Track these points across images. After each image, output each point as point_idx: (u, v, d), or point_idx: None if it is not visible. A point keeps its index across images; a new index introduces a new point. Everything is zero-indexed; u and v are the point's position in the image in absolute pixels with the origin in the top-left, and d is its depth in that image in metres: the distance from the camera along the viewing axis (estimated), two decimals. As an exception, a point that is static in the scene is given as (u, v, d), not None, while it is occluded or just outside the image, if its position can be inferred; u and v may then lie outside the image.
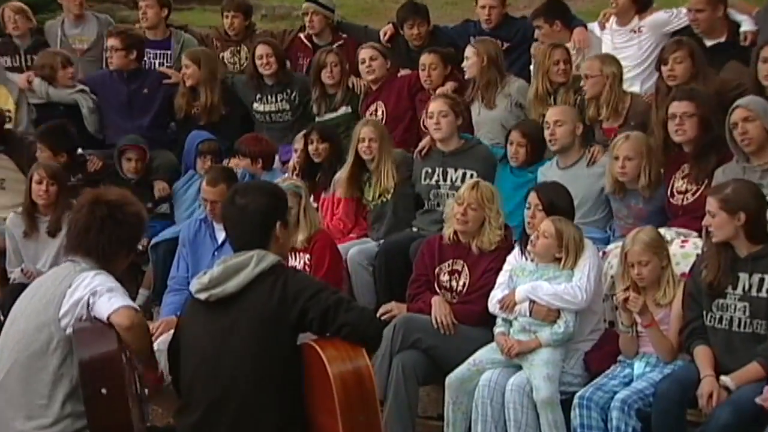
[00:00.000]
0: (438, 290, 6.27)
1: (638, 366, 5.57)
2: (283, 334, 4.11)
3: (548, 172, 6.82)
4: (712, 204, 5.32)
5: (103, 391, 3.98)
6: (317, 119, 8.33)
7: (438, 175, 7.20)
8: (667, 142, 6.40)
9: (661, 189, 6.39)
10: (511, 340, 5.77)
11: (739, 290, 5.27)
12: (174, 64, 8.92)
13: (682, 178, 6.32)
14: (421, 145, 7.40)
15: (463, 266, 6.24)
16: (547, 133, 6.79)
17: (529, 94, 7.57)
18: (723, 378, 5.18)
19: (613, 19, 8.00)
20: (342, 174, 7.35)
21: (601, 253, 6.07)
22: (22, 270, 7.32)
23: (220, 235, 6.62)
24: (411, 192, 7.32)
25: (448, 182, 7.10)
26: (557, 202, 6.01)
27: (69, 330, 4.12)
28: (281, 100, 8.57)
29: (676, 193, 6.33)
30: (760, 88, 6.43)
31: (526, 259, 5.97)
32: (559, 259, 5.80)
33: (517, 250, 6.10)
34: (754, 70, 6.54)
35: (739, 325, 5.26)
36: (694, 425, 5.27)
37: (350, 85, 8.36)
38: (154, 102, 8.61)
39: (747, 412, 5.04)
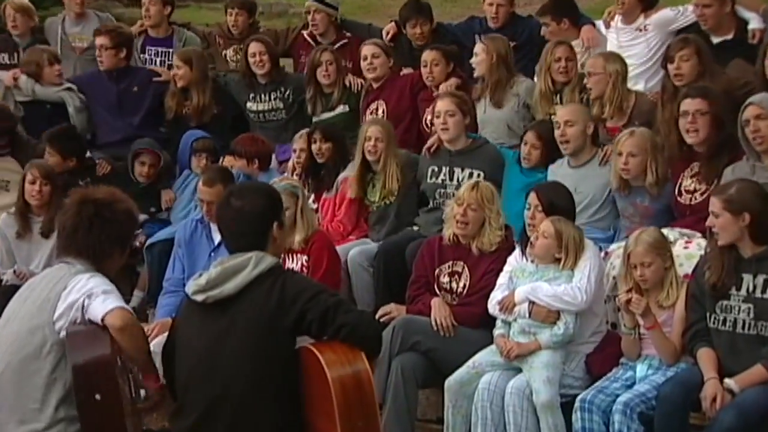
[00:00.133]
0: (438, 292, 6.26)
1: (641, 368, 5.56)
2: (281, 337, 4.10)
3: (559, 170, 6.81)
4: (715, 204, 5.30)
5: (97, 396, 3.97)
6: (314, 119, 8.31)
7: (444, 174, 7.19)
8: (675, 139, 6.36)
9: (669, 187, 6.37)
10: (510, 342, 5.77)
11: (743, 291, 5.26)
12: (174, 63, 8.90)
13: (691, 177, 6.30)
14: (429, 142, 7.38)
15: (464, 267, 6.24)
16: (557, 133, 6.76)
17: (534, 92, 7.55)
18: (727, 381, 5.17)
19: (618, 17, 7.98)
20: (351, 174, 7.32)
21: (603, 254, 6.07)
22: (14, 271, 7.30)
23: (217, 236, 6.60)
24: (415, 193, 7.31)
25: (455, 182, 7.07)
26: (557, 203, 5.99)
27: (63, 333, 4.11)
28: (275, 99, 8.56)
29: (684, 192, 6.31)
30: None
31: (527, 260, 5.95)
32: (559, 260, 5.79)
33: (517, 251, 6.09)
34: (761, 68, 6.53)
35: (743, 327, 5.25)
36: (697, 429, 5.29)
37: (347, 84, 8.34)
38: (144, 100, 8.61)
39: (751, 415, 5.04)
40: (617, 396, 5.40)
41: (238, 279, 4.15)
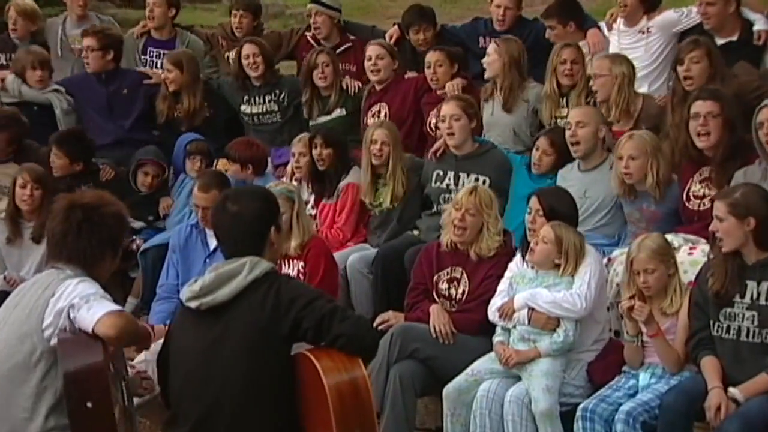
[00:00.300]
0: (437, 298, 6.26)
1: (643, 377, 5.56)
2: (277, 344, 4.10)
3: (569, 174, 6.81)
4: (720, 208, 5.29)
5: (89, 404, 3.95)
6: (310, 123, 8.30)
7: (450, 179, 7.19)
8: (684, 143, 6.34)
9: (674, 190, 6.37)
10: (509, 350, 5.77)
11: (747, 299, 5.25)
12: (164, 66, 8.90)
13: (700, 182, 6.29)
14: (435, 146, 7.38)
15: (462, 273, 6.24)
16: (568, 134, 6.76)
17: (542, 93, 7.54)
18: (731, 390, 5.16)
19: (620, 20, 7.98)
20: (355, 180, 7.33)
21: (606, 260, 6.07)
22: (5, 277, 7.30)
23: (212, 242, 6.60)
24: (418, 198, 7.32)
25: (460, 187, 7.01)
26: (558, 208, 5.99)
27: (53, 341, 4.09)
28: (269, 101, 8.55)
29: (692, 198, 6.30)
30: None
31: (527, 266, 5.96)
32: (559, 266, 5.79)
33: (519, 256, 6.09)
34: None
35: (747, 335, 5.24)
36: (701, 438, 5.28)
37: (344, 87, 8.33)
38: (134, 103, 8.62)
39: (756, 424, 5.03)
40: (620, 405, 5.39)
41: (233, 285, 4.16)
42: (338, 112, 8.30)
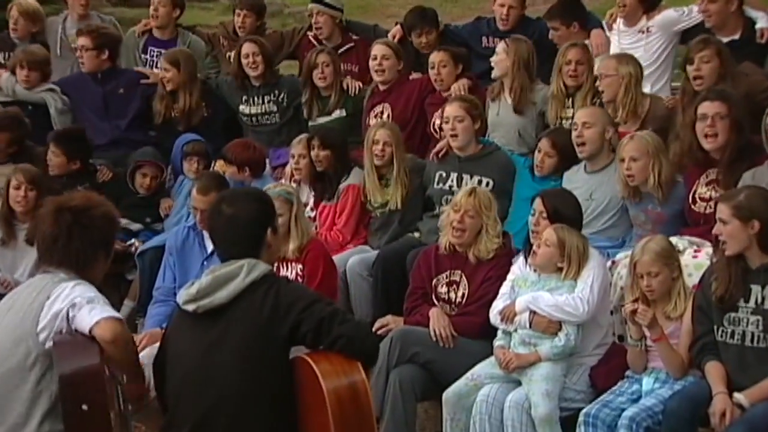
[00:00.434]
0: (436, 302, 6.27)
1: (647, 382, 5.56)
2: (275, 347, 4.12)
3: (574, 176, 6.82)
4: (723, 211, 5.28)
5: (84, 407, 3.96)
6: (310, 123, 8.30)
7: (453, 180, 7.20)
8: (690, 144, 6.33)
9: (679, 191, 6.38)
10: (509, 353, 5.77)
11: (752, 303, 5.24)
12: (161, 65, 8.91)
13: (707, 185, 6.28)
14: (438, 146, 7.39)
15: (461, 276, 6.25)
16: (574, 134, 6.76)
17: (548, 94, 7.55)
18: (736, 395, 5.16)
19: (620, 20, 7.98)
20: (358, 182, 7.34)
21: (609, 263, 6.07)
22: (-2, 279, 7.30)
23: (210, 244, 6.57)
24: (420, 199, 7.32)
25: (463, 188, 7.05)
26: (563, 210, 5.99)
27: (48, 344, 4.10)
28: (268, 102, 8.54)
29: (698, 200, 6.30)
30: None
31: (530, 268, 5.96)
32: (561, 269, 5.79)
33: (521, 259, 6.10)
34: None
35: (752, 340, 5.24)
36: (705, 444, 5.28)
37: (345, 87, 8.32)
38: (131, 103, 8.61)
39: (762, 430, 5.03)
40: (623, 410, 5.39)
41: (230, 287, 4.17)
42: (338, 113, 8.29)
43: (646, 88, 7.51)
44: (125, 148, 8.39)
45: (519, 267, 6.06)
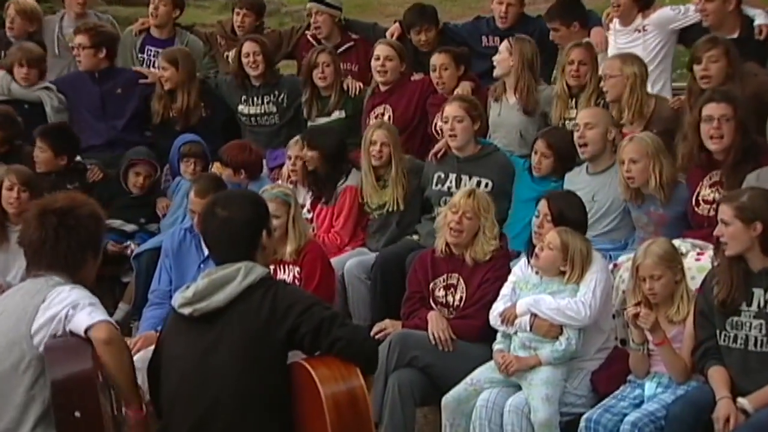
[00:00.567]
0: (434, 306, 6.27)
1: (649, 386, 5.55)
2: (272, 352, 4.12)
3: (576, 178, 6.83)
4: (726, 212, 5.27)
5: (77, 413, 3.95)
6: (309, 123, 8.30)
7: (451, 182, 7.21)
8: (695, 145, 6.33)
9: (681, 192, 6.39)
10: (509, 357, 5.77)
11: (754, 307, 5.23)
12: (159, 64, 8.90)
13: (710, 187, 6.29)
14: (437, 147, 7.39)
15: (459, 279, 6.26)
16: (576, 135, 6.77)
17: (552, 94, 7.55)
18: (740, 400, 5.16)
19: (616, 19, 7.99)
20: (355, 183, 7.35)
21: (612, 265, 6.07)
22: (-8, 281, 7.29)
23: (208, 247, 6.59)
24: (418, 201, 7.33)
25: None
26: (567, 213, 5.98)
27: (42, 348, 4.10)
28: (267, 102, 8.53)
29: (702, 203, 6.31)
30: None
31: (532, 270, 5.95)
32: (564, 273, 5.79)
33: (523, 261, 6.10)
34: None
35: (755, 345, 5.23)
36: (709, 450, 5.27)
37: (345, 88, 8.31)
38: (128, 103, 8.59)
39: (766, 436, 5.04)
40: (625, 415, 5.38)
41: (227, 291, 4.18)
42: (337, 114, 8.28)
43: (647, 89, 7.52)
44: (121, 148, 8.37)
45: (520, 269, 6.07)
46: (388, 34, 8.73)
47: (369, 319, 6.72)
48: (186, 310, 4.22)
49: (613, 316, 5.96)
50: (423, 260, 6.41)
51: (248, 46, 8.45)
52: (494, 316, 5.92)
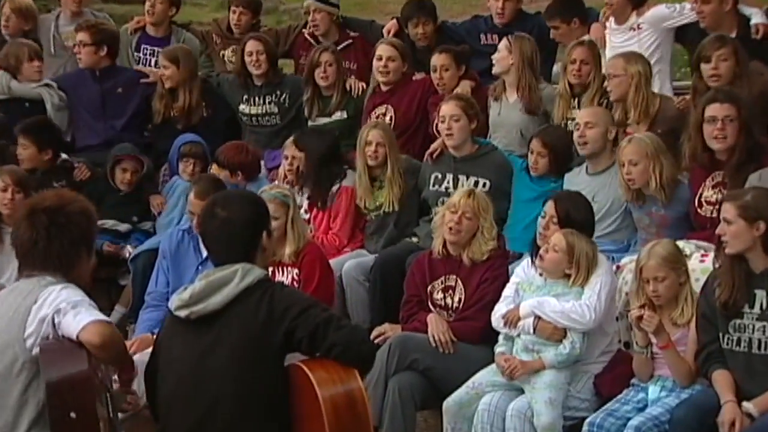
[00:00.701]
0: (432, 309, 6.29)
1: (653, 390, 5.56)
2: (270, 354, 4.14)
3: (576, 178, 6.84)
4: (729, 210, 5.27)
5: (72, 415, 3.95)
6: (309, 123, 8.30)
7: (449, 182, 7.22)
8: (697, 146, 6.34)
9: (682, 192, 6.41)
10: (514, 361, 5.76)
11: (757, 309, 5.23)
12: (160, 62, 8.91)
13: (713, 187, 6.30)
14: (433, 147, 7.41)
15: (457, 281, 6.27)
16: (576, 135, 6.79)
17: (555, 93, 7.56)
18: (745, 404, 5.16)
19: (612, 18, 8.01)
20: (351, 184, 7.36)
21: (615, 267, 6.08)
22: (-15, 283, 7.29)
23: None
24: (415, 202, 7.34)
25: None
26: (574, 215, 5.98)
27: (35, 350, 4.10)
28: (269, 103, 8.53)
29: (704, 204, 6.32)
30: None
31: (536, 271, 5.96)
32: (569, 276, 5.79)
33: (525, 261, 6.11)
34: None
35: (759, 347, 5.23)
36: (713, 455, 5.27)
37: (347, 88, 8.32)
38: (129, 103, 8.59)
39: (772, 440, 5.04)
40: (628, 419, 5.39)
41: (224, 292, 4.19)
42: (338, 115, 8.26)
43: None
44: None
45: (523, 270, 6.08)
46: (384, 30, 8.75)
47: (368, 320, 6.73)
48: (183, 313, 4.23)
49: (617, 319, 5.95)
50: (420, 263, 6.43)
51: (251, 45, 8.44)
52: (496, 318, 5.93)
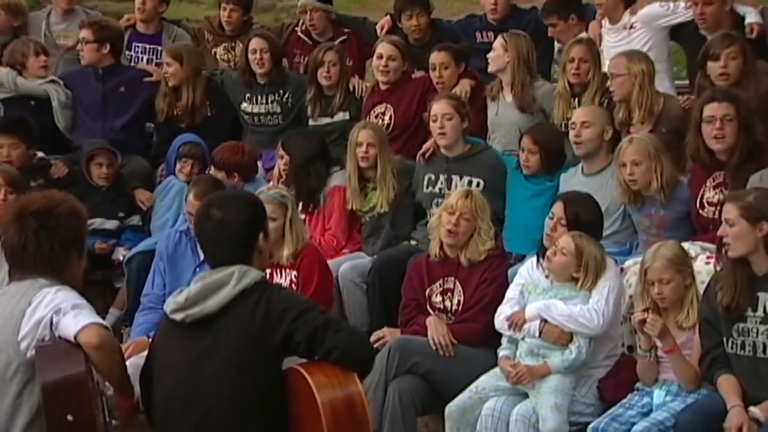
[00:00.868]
0: (432, 313, 6.29)
1: (658, 395, 5.57)
2: (267, 358, 4.15)
3: (571, 179, 6.86)
4: (731, 211, 5.27)
5: (69, 417, 3.96)
6: (310, 123, 8.31)
7: (442, 183, 7.25)
8: (697, 146, 6.36)
9: (681, 192, 6.43)
10: (521, 366, 5.75)
11: (760, 312, 5.22)
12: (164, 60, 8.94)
13: (714, 188, 6.33)
14: (425, 147, 7.44)
15: (455, 283, 6.29)
16: (572, 134, 6.83)
17: (553, 96, 7.58)
18: (752, 409, 5.16)
19: (606, 18, 8.06)
20: (341, 183, 7.37)
21: (618, 270, 6.08)
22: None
23: (204, 251, 6.60)
24: (410, 202, 7.35)
25: (453, 190, 6.97)
26: (584, 218, 5.99)
27: (30, 353, 4.12)
28: (272, 102, 8.54)
29: (706, 205, 6.34)
30: None
31: (542, 272, 5.95)
32: (576, 279, 5.79)
33: (529, 263, 6.12)
34: None
35: (764, 351, 5.22)
36: (720, 461, 5.28)
37: (350, 88, 8.32)
38: (132, 103, 8.60)
39: (780, 446, 5.05)
40: (633, 424, 5.41)
41: (221, 295, 4.20)
42: (341, 116, 8.27)
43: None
44: (116, 149, 8.36)
45: (527, 271, 6.08)
46: (378, 27, 8.79)
47: (366, 324, 6.75)
48: (178, 316, 4.24)
49: (621, 322, 5.97)
50: (418, 267, 6.44)
51: (255, 43, 8.46)
52: (500, 320, 5.92)
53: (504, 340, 5.92)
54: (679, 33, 7.93)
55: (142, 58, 9.04)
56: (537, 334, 5.76)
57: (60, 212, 4.33)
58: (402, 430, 5.97)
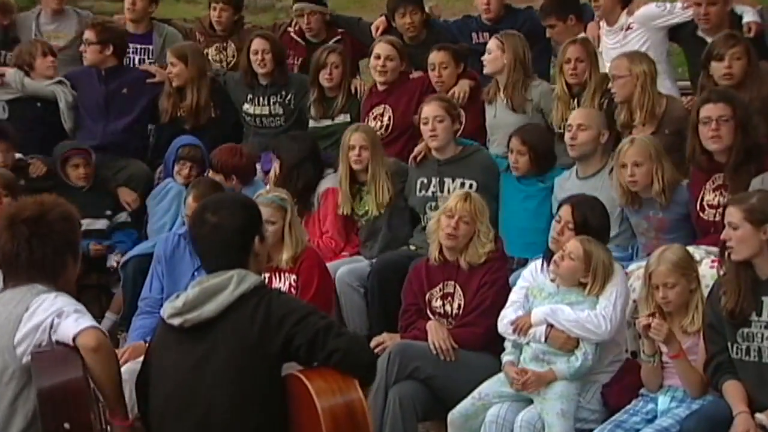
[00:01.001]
0: (432, 317, 6.30)
1: (663, 401, 5.56)
2: (267, 363, 4.16)
3: (566, 183, 6.87)
4: (734, 214, 5.28)
5: (66, 425, 3.97)
6: (311, 124, 8.32)
7: (434, 186, 7.27)
8: (695, 147, 6.37)
9: (680, 194, 6.45)
10: (528, 374, 5.73)
11: (764, 316, 5.22)
12: (156, 59, 8.94)
13: (714, 191, 6.34)
14: (416, 150, 7.46)
15: (455, 287, 6.29)
16: (567, 136, 6.84)
17: (551, 96, 7.59)
18: (758, 416, 5.15)
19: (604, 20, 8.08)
20: (333, 186, 7.38)
21: (624, 274, 6.07)
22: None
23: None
24: (407, 204, 7.37)
25: (446, 193, 7.08)
26: (591, 222, 5.98)
27: (26, 359, 4.13)
28: (274, 103, 8.54)
29: (706, 207, 6.35)
30: None
31: (548, 276, 5.94)
32: (583, 284, 5.78)
33: (533, 266, 6.12)
34: None
35: (769, 356, 5.26)
36: (725, 468, 5.28)
37: (352, 90, 8.33)
38: (134, 105, 8.59)
39: (788, 453, 5.05)
40: (637, 431, 5.41)
41: (219, 300, 4.21)
42: (342, 118, 8.27)
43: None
44: (115, 152, 8.37)
45: (531, 274, 6.08)
46: (373, 27, 8.80)
47: (364, 328, 6.76)
48: (176, 321, 4.25)
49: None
50: (417, 271, 6.45)
51: (257, 43, 8.45)
52: (504, 324, 5.92)
53: (508, 345, 5.92)
54: (678, 34, 7.94)
55: (132, 58, 9.04)
56: (543, 339, 5.76)
57: (51, 218, 4.33)
58: (403, 437, 6.00)
